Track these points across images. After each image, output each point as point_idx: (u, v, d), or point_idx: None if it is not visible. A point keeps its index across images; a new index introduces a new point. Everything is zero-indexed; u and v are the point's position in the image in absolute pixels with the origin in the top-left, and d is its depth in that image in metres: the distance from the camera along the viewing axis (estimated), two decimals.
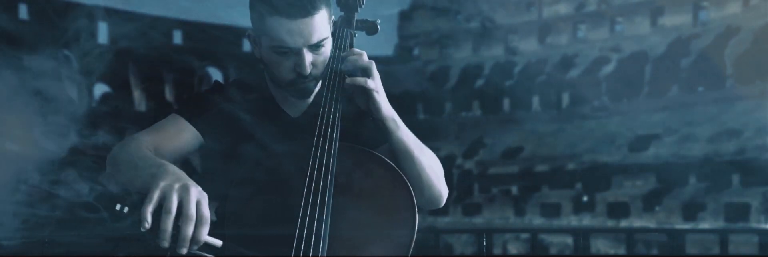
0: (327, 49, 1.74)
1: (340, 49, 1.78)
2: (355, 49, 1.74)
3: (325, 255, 1.56)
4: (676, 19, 33.44)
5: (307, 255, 1.55)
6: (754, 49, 29.58)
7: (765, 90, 28.57)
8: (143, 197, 1.42)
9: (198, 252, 1.44)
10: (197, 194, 1.43)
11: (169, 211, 1.38)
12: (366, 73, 1.69)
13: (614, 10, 35.49)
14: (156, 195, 1.40)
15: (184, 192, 1.41)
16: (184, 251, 1.40)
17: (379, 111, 1.70)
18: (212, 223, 1.80)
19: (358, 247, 1.60)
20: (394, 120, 1.71)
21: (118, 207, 1.39)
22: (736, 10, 31.34)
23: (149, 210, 1.38)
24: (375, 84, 1.68)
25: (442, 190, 1.78)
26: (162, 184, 1.42)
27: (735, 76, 30.75)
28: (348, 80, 1.68)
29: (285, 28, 1.66)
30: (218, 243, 1.44)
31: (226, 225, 1.62)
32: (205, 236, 1.41)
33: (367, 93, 1.68)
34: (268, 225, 1.59)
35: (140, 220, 1.38)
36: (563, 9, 37.01)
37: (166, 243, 1.39)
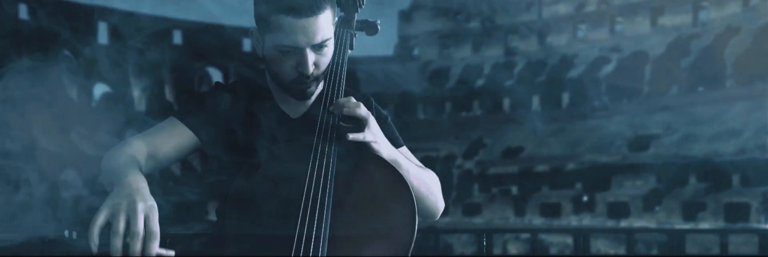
0: (330, 49, 1.74)
1: (341, 50, 1.78)
2: (352, 99, 1.72)
3: (324, 255, 1.56)
4: (676, 19, 33.45)
5: (307, 255, 1.55)
6: (754, 49, 29.59)
7: (765, 90, 28.58)
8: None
9: None
10: (144, 209, 1.43)
11: (116, 232, 1.40)
12: (360, 124, 1.68)
13: (614, 10, 35.51)
14: (102, 216, 1.42)
15: (131, 210, 1.42)
16: None
17: (380, 153, 1.71)
18: (212, 224, 1.81)
19: (358, 247, 1.60)
20: (396, 161, 1.72)
21: (66, 233, 1.42)
22: (736, 10, 31.36)
23: (95, 231, 1.40)
24: (372, 135, 1.68)
25: (439, 207, 1.83)
26: (110, 203, 1.44)
27: (735, 76, 30.75)
28: (350, 136, 1.67)
29: (290, 27, 1.67)
30: (171, 253, 1.46)
31: (226, 225, 1.62)
32: (155, 250, 1.42)
33: (366, 145, 1.69)
34: (268, 225, 1.59)
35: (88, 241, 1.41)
36: (563, 9, 37.02)
37: None
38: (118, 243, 1.40)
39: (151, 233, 1.42)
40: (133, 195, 1.45)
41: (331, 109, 1.71)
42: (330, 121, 1.72)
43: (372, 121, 1.69)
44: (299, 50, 1.69)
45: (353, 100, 1.70)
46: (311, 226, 1.57)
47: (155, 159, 1.68)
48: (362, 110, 1.68)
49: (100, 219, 1.41)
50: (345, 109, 1.68)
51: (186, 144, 1.75)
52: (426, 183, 1.77)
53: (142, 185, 1.50)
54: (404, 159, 1.74)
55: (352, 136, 1.67)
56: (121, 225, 1.40)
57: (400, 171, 1.70)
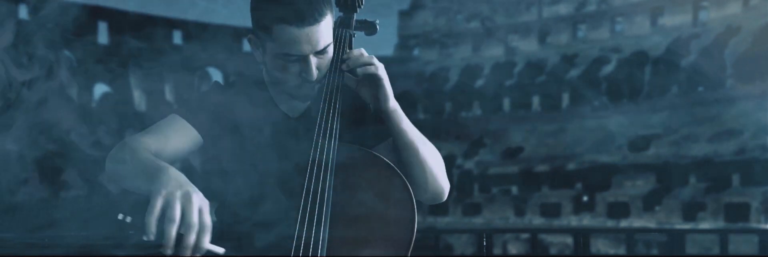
0: (330, 52, 1.74)
1: (339, 51, 1.78)
2: (354, 50, 1.73)
3: (324, 255, 1.56)
4: (676, 19, 33.44)
5: (307, 255, 1.55)
6: (754, 49, 29.58)
7: (765, 90, 28.58)
8: (145, 201, 1.42)
9: None
10: (199, 201, 1.42)
11: (172, 220, 1.38)
12: (372, 65, 1.69)
13: (614, 10, 35.50)
14: (159, 204, 1.39)
15: (186, 200, 1.41)
16: None
17: (387, 101, 1.70)
18: (213, 223, 1.81)
19: (358, 247, 1.60)
20: (397, 112, 1.72)
21: (120, 216, 1.39)
22: (736, 10, 31.35)
23: (154, 219, 1.38)
24: (384, 73, 1.69)
25: (445, 184, 1.79)
26: (164, 192, 1.41)
27: (735, 76, 30.74)
28: (359, 70, 1.68)
29: (293, 36, 1.66)
30: (220, 250, 1.44)
31: (226, 225, 1.62)
32: (207, 243, 1.41)
33: (376, 82, 1.69)
34: (268, 225, 1.59)
35: (144, 229, 1.38)
36: (563, 9, 37.02)
37: (169, 251, 1.39)
38: (172, 232, 1.37)
39: (205, 226, 1.40)
40: (185, 186, 1.44)
41: (343, 66, 1.72)
42: (337, 81, 1.73)
43: (380, 64, 1.70)
44: (303, 58, 1.69)
45: (356, 50, 1.71)
46: (310, 226, 1.57)
47: (162, 157, 1.66)
48: (365, 54, 1.69)
49: (158, 207, 1.39)
50: (352, 55, 1.70)
51: (190, 143, 1.74)
52: (427, 147, 1.75)
53: (186, 179, 1.48)
54: (405, 117, 1.74)
55: (361, 69, 1.67)
56: (178, 214, 1.39)
57: (402, 124, 1.71)
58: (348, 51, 1.75)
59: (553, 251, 27.76)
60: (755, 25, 30.01)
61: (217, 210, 1.76)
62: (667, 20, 33.75)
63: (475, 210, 34.10)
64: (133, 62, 32.01)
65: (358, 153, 1.68)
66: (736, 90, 30.24)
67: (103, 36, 32.32)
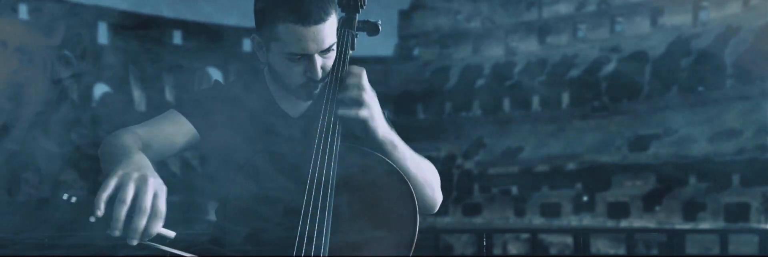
0: (334, 52, 1.74)
1: (342, 51, 1.78)
2: (354, 69, 1.72)
3: (326, 255, 1.56)
4: (676, 19, 33.43)
5: (309, 255, 1.55)
6: (754, 49, 29.56)
7: (765, 90, 28.57)
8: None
9: (150, 242, 1.39)
10: (155, 185, 1.38)
11: (123, 201, 1.34)
12: (358, 101, 1.68)
13: (614, 10, 35.49)
14: (112, 183, 1.36)
15: (142, 182, 1.37)
16: (135, 242, 1.36)
17: (376, 137, 1.69)
18: (212, 224, 1.81)
19: (360, 247, 1.60)
20: (392, 142, 1.71)
21: (65, 196, 1.34)
22: (736, 10, 31.34)
23: (103, 197, 1.34)
24: (369, 112, 1.67)
25: (437, 200, 1.80)
26: (120, 172, 1.38)
27: (735, 76, 30.74)
28: (340, 112, 1.67)
29: (298, 36, 1.66)
30: (171, 234, 1.40)
31: (226, 225, 1.62)
32: (157, 229, 1.36)
33: (361, 123, 1.68)
34: (269, 225, 1.59)
35: (92, 208, 1.33)
36: (563, 9, 37.00)
37: (117, 233, 1.34)
38: (121, 214, 1.33)
39: (159, 211, 1.36)
40: (143, 169, 1.41)
41: (340, 75, 1.71)
42: (335, 74, 1.72)
43: (368, 101, 1.68)
44: (308, 57, 1.69)
45: (356, 68, 1.70)
46: (312, 226, 1.56)
47: (152, 148, 1.65)
48: (362, 86, 1.67)
49: (111, 186, 1.35)
50: (348, 81, 1.68)
51: (185, 137, 1.73)
52: (423, 171, 1.75)
53: (150, 164, 1.45)
54: (401, 142, 1.73)
55: (341, 112, 1.66)
56: (129, 196, 1.34)
57: (395, 154, 1.69)
58: (347, 68, 1.73)
59: (553, 251, 27.75)
60: (755, 25, 30.00)
61: (217, 210, 1.75)
62: (667, 20, 33.74)
63: (475, 210, 34.08)
64: (133, 62, 32.00)
65: (359, 154, 1.68)
66: (736, 90, 30.24)
67: (103, 36, 32.30)
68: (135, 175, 1.38)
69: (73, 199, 1.34)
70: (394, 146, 1.71)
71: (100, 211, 1.33)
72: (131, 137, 1.63)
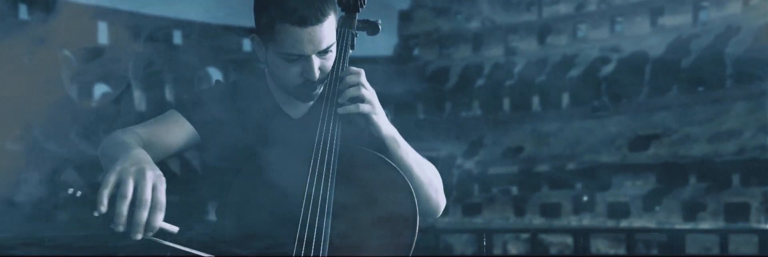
0: (333, 52, 1.74)
1: (342, 51, 1.78)
2: (352, 70, 1.72)
3: (326, 255, 1.56)
4: (676, 19, 33.45)
5: (309, 255, 1.55)
6: (754, 49, 29.57)
7: (765, 90, 28.58)
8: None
9: (153, 238, 1.39)
10: (154, 178, 1.38)
11: (124, 196, 1.34)
12: (359, 97, 1.68)
13: (614, 10, 35.51)
14: (112, 179, 1.36)
15: (140, 175, 1.37)
16: (139, 237, 1.36)
17: (379, 132, 1.69)
18: (213, 224, 1.80)
19: (359, 247, 1.60)
20: (394, 138, 1.71)
21: (70, 190, 1.34)
22: (736, 10, 31.36)
23: (105, 193, 1.34)
24: (371, 107, 1.68)
25: (440, 203, 1.79)
26: (118, 168, 1.38)
27: (735, 76, 30.75)
28: (340, 110, 1.67)
29: (296, 36, 1.65)
30: (174, 229, 1.40)
31: (226, 225, 1.62)
32: (160, 222, 1.37)
33: (364, 118, 1.68)
34: (269, 225, 1.59)
35: (95, 204, 1.34)
36: (563, 9, 37.02)
37: (121, 228, 1.34)
38: (123, 208, 1.33)
39: (159, 203, 1.36)
40: (142, 163, 1.41)
41: (339, 99, 1.70)
42: (336, 74, 1.72)
43: (369, 96, 1.68)
44: (306, 58, 1.69)
45: (354, 69, 1.70)
46: (312, 226, 1.56)
47: (152, 148, 1.65)
48: (362, 82, 1.68)
49: (111, 182, 1.36)
50: (348, 78, 1.68)
51: (185, 138, 1.73)
52: (425, 171, 1.74)
53: (149, 158, 1.46)
54: (403, 140, 1.73)
55: (341, 109, 1.66)
56: (130, 190, 1.35)
57: (398, 151, 1.69)
58: (347, 68, 1.73)
59: (553, 251, 27.75)
60: (755, 25, 30.01)
61: (217, 210, 1.75)
62: (667, 20, 33.76)
63: (475, 210, 34.09)
64: (133, 62, 32.00)
65: (359, 154, 1.68)
66: (736, 90, 30.25)
67: (103, 36, 32.32)
68: (132, 169, 1.38)
69: (79, 193, 1.35)
70: (397, 143, 1.71)
71: (104, 207, 1.34)
72: (131, 136, 1.64)
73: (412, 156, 1.73)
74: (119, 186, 1.36)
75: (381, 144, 1.70)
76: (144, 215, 1.35)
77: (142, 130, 1.68)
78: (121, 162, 1.40)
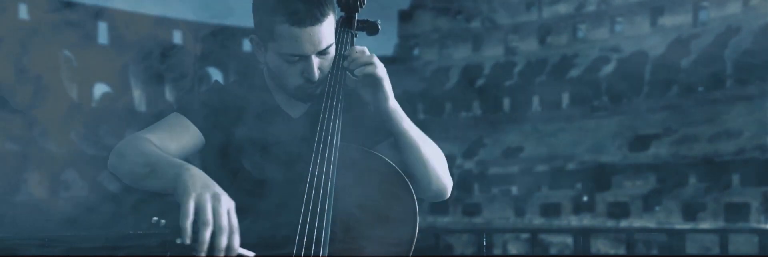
0: (333, 53, 1.74)
1: (341, 51, 1.78)
2: (357, 47, 1.74)
3: (326, 255, 1.56)
4: (676, 19, 33.43)
5: (309, 255, 1.55)
6: (754, 49, 29.56)
7: (765, 90, 28.58)
8: (174, 204, 1.41)
9: None
10: (227, 203, 1.42)
11: (206, 224, 1.38)
12: (369, 62, 1.70)
13: (614, 10, 35.49)
14: (191, 207, 1.39)
15: (216, 202, 1.41)
16: None
17: (387, 101, 1.71)
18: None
19: (359, 247, 1.60)
20: (400, 112, 1.73)
21: (154, 220, 1.39)
22: (736, 10, 31.34)
23: (189, 223, 1.37)
24: (382, 71, 1.70)
25: (448, 182, 1.80)
26: (194, 194, 1.41)
27: (735, 76, 30.74)
28: (357, 71, 1.68)
29: (295, 36, 1.66)
30: (251, 254, 1.45)
31: None
32: (238, 246, 1.41)
33: (376, 81, 1.69)
34: (269, 225, 1.59)
35: (179, 233, 1.37)
36: (563, 9, 37.00)
37: (203, 254, 1.39)
38: (207, 235, 1.37)
39: (235, 227, 1.40)
40: (213, 187, 1.43)
41: (344, 63, 1.72)
42: (338, 80, 1.73)
43: (380, 64, 1.70)
44: (305, 58, 1.69)
45: (358, 47, 1.72)
46: (312, 226, 1.57)
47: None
48: (367, 53, 1.70)
49: (191, 211, 1.38)
50: (353, 54, 1.70)
51: (193, 142, 1.73)
52: (430, 146, 1.75)
53: (210, 178, 1.47)
54: (406, 116, 1.74)
55: (359, 70, 1.68)
56: (210, 217, 1.38)
57: (402, 124, 1.71)
58: (350, 47, 1.75)
59: (553, 251, 27.74)
60: (755, 25, 30.00)
61: None
62: (667, 20, 33.74)
63: (475, 210, 34.08)
64: (133, 62, 32.01)
65: (359, 154, 1.68)
66: (736, 90, 30.24)
67: (103, 36, 32.31)
68: (207, 196, 1.41)
69: (162, 222, 1.39)
70: (402, 117, 1.73)
71: (188, 238, 1.37)
72: (151, 144, 1.62)
73: (416, 131, 1.74)
74: (198, 213, 1.39)
75: (386, 117, 1.71)
76: (225, 240, 1.39)
77: (153, 137, 1.66)
78: (192, 187, 1.42)
